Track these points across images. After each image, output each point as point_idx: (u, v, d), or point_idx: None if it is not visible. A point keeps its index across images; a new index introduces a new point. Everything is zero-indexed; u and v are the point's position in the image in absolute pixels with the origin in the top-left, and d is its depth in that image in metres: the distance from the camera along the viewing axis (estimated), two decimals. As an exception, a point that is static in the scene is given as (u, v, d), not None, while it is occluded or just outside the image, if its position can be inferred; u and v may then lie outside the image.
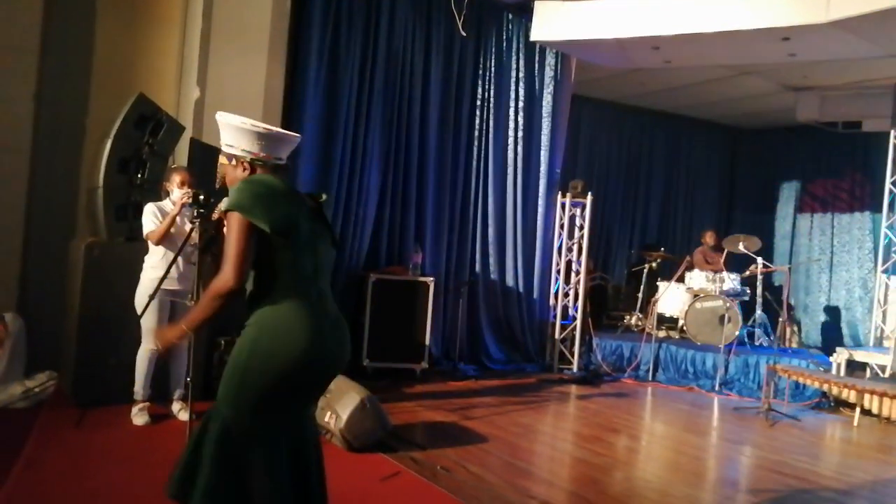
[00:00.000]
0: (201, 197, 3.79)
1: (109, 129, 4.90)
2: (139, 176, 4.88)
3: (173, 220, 4.40)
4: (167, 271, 4.27)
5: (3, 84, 5.42)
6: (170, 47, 6.07)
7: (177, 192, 4.49)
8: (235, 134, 2.40)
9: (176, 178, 4.55)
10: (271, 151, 2.42)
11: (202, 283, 3.95)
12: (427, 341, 6.84)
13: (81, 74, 5.83)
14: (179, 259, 4.34)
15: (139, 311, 4.38)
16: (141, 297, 4.43)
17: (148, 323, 4.41)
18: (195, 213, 3.78)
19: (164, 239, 4.41)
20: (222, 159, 2.48)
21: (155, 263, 4.46)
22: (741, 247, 8.28)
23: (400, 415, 5.16)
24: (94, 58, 5.87)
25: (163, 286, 4.29)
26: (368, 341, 6.60)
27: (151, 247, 4.51)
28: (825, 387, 6.27)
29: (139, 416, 4.47)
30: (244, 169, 2.41)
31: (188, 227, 4.16)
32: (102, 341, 4.60)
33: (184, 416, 4.50)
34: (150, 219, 4.48)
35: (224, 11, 5.68)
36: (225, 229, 2.28)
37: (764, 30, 6.12)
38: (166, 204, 4.58)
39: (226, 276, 2.19)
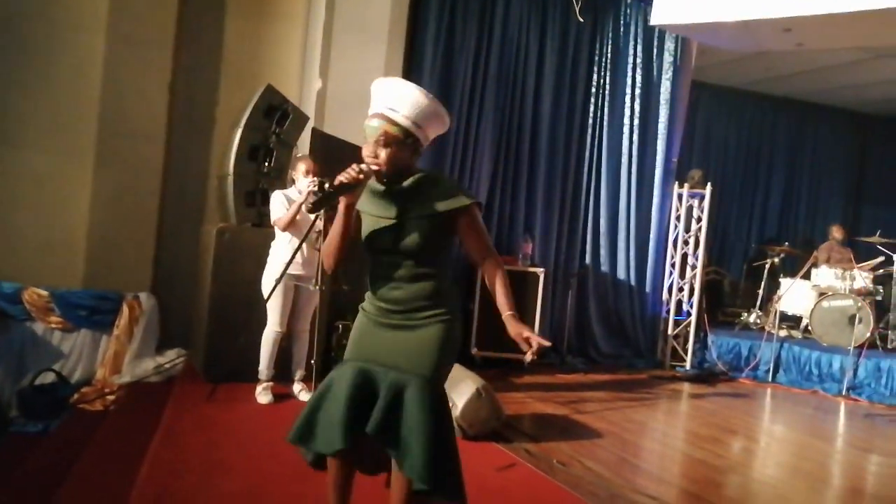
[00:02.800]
0: (326, 186, 3.85)
1: (239, 119, 5.10)
2: (267, 164, 5.04)
3: (300, 208, 4.50)
4: (292, 257, 4.44)
5: (141, 76, 5.74)
6: (293, 40, 6.28)
7: (303, 181, 4.60)
8: (431, 119, 2.26)
9: (301, 167, 4.67)
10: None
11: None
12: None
13: (212, 67, 6.14)
14: (304, 245, 4.50)
15: (265, 294, 4.55)
16: (267, 280, 4.59)
17: (273, 306, 4.57)
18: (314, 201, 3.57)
19: (291, 226, 4.53)
20: (393, 130, 2.21)
21: (281, 249, 4.60)
22: (873, 242, 7.72)
23: (510, 405, 5.12)
24: (224, 51, 6.18)
25: (288, 271, 4.46)
26: (477, 331, 6.62)
27: (278, 233, 4.65)
28: (971, 396, 5.77)
29: (263, 395, 4.63)
30: (413, 152, 2.28)
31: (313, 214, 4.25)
32: (231, 321, 4.81)
33: (304, 396, 4.65)
34: (279, 206, 4.60)
35: (346, 4, 5.79)
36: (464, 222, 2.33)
37: (913, 8, 5.64)
38: (292, 192, 4.69)
39: (500, 261, 2.40)
